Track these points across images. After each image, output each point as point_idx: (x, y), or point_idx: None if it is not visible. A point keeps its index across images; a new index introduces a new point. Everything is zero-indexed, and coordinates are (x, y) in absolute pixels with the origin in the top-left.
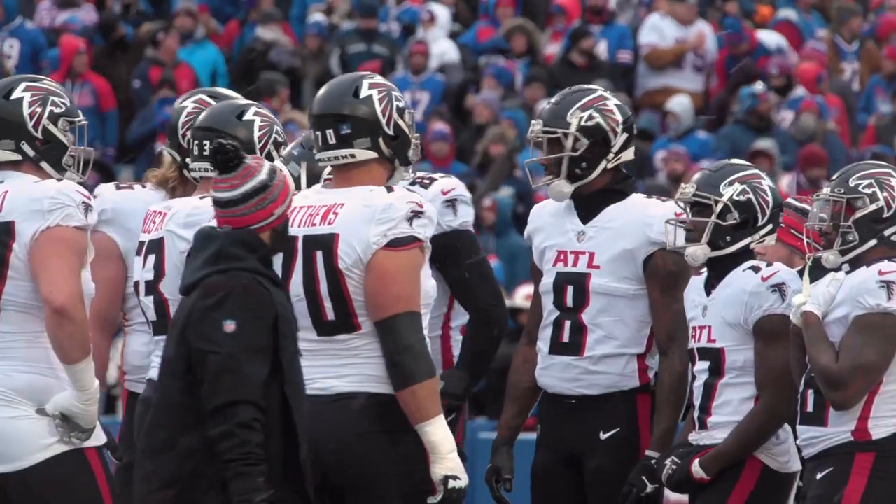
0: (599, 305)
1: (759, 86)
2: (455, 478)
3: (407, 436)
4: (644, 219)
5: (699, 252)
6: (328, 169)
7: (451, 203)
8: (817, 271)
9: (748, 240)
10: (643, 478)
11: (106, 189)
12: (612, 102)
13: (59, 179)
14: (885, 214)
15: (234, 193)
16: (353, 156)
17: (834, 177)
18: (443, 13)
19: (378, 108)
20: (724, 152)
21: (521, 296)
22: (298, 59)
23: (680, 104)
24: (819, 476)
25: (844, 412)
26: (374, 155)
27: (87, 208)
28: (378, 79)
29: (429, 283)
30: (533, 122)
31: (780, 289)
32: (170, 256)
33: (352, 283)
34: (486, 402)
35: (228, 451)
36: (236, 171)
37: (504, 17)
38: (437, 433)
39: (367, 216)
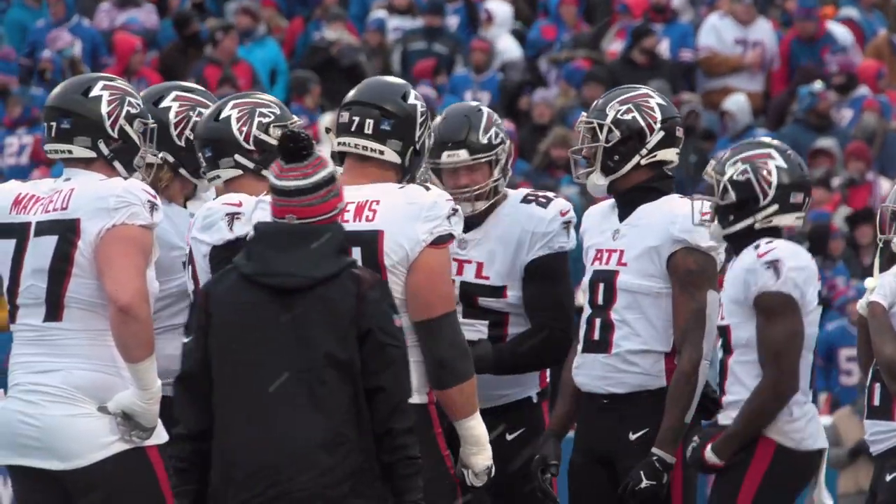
0: (625, 302)
1: (818, 84)
2: (492, 466)
3: (436, 440)
4: (669, 216)
5: (713, 231)
6: None
7: (567, 225)
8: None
9: (750, 220)
10: (641, 472)
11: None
12: (655, 101)
13: (126, 178)
14: None
15: (306, 182)
16: (382, 152)
17: None
18: (502, 10)
19: (418, 120)
20: None
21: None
22: (363, 55)
23: (736, 103)
24: (889, 478)
25: None
26: (398, 160)
27: (153, 207)
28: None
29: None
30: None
31: (774, 265)
32: (198, 263)
33: (393, 281)
34: None
35: (410, 448)
36: (308, 160)
37: (567, 16)
38: (480, 427)
39: (412, 214)
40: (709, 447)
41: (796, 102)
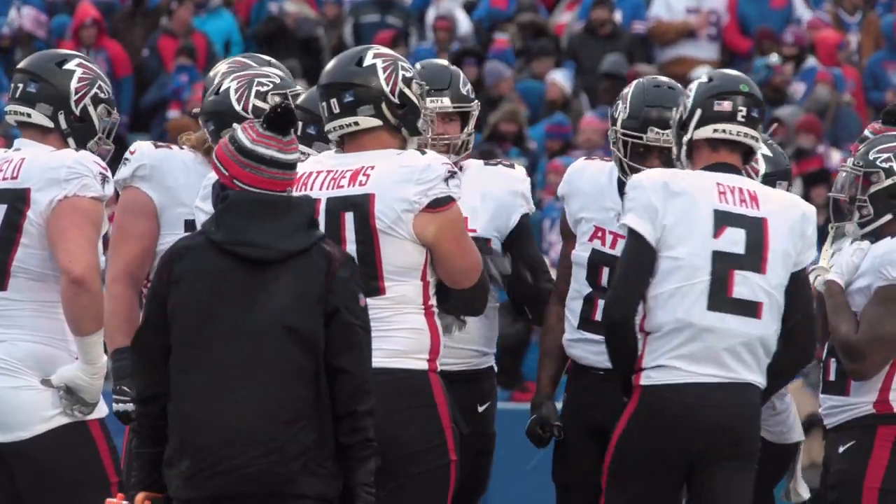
0: None
1: (773, 57)
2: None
3: (433, 410)
4: None
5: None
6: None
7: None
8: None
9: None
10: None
11: (144, 146)
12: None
13: (77, 150)
14: None
15: (295, 157)
16: (356, 123)
17: (861, 147)
18: None
19: (382, 77)
20: None
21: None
22: (321, 29)
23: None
24: (841, 450)
25: (865, 382)
26: (378, 122)
27: (105, 179)
28: (383, 49)
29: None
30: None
31: None
32: None
33: (388, 245)
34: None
35: (369, 430)
36: (288, 136)
37: None
38: None
39: (404, 176)
40: None
41: (752, 74)
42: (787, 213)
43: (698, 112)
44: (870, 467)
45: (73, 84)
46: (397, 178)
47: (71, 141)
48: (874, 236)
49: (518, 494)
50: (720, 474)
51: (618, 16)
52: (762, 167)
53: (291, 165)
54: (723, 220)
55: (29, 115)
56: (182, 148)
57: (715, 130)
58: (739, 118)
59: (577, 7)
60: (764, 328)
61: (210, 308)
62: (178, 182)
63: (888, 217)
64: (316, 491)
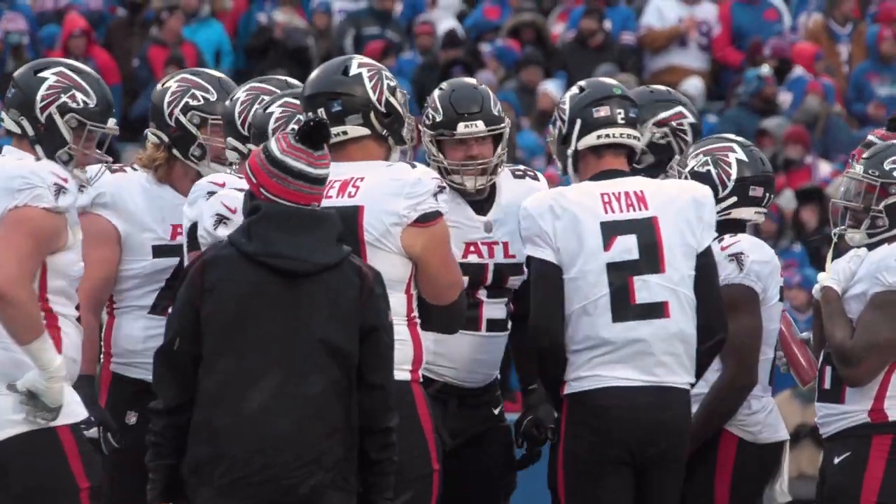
0: None
1: (765, 68)
2: None
3: (416, 420)
4: None
5: None
6: None
7: None
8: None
9: None
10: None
11: (103, 174)
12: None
13: (38, 159)
14: None
15: (324, 172)
16: (345, 133)
17: (865, 155)
18: None
19: (368, 86)
20: None
21: None
22: (310, 39)
23: (694, 86)
24: (837, 461)
25: (860, 389)
26: (366, 132)
27: (60, 190)
28: (365, 59)
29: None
30: None
31: (737, 258)
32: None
33: (376, 257)
34: None
35: (395, 448)
36: (325, 149)
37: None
38: None
39: (394, 189)
40: None
41: (742, 84)
42: (677, 202)
43: (578, 122)
44: (865, 480)
45: (42, 91)
46: (387, 190)
47: (39, 149)
48: (874, 245)
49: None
50: (652, 476)
51: (608, 25)
52: (734, 171)
53: (319, 180)
54: (611, 230)
55: (1, 121)
56: (135, 169)
57: (599, 136)
58: (619, 120)
59: (568, 17)
60: (677, 325)
61: (244, 319)
62: (140, 206)
63: None
64: None
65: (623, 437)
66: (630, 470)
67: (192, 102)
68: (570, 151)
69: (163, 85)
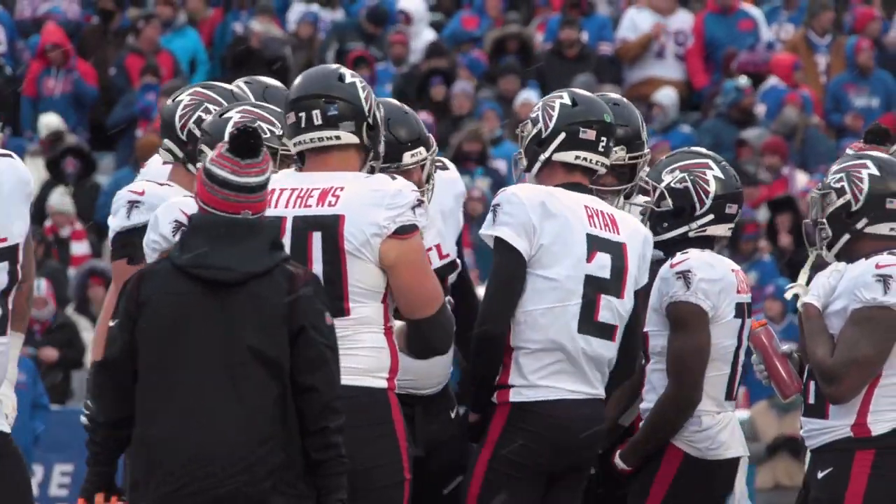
0: None
1: (742, 80)
2: None
3: (390, 428)
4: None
5: None
6: None
7: None
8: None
9: (684, 228)
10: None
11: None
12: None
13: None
14: (854, 208)
15: (262, 179)
16: (338, 138)
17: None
18: (418, 7)
19: (362, 96)
20: (707, 146)
21: None
22: (287, 49)
23: (667, 97)
24: (820, 476)
25: (843, 405)
26: (356, 140)
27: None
28: (352, 71)
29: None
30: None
31: (684, 276)
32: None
33: (355, 266)
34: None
35: (341, 447)
36: (260, 156)
37: (492, 10)
38: None
39: (375, 200)
40: (618, 453)
41: (720, 96)
42: (636, 237)
43: (562, 135)
44: (847, 496)
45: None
46: (368, 201)
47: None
48: (850, 258)
49: None
50: (560, 485)
51: (584, 36)
52: (713, 189)
53: (246, 188)
54: (594, 244)
55: None
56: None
57: (577, 157)
58: (600, 148)
59: (546, 28)
60: (615, 350)
61: (175, 331)
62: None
63: (846, 237)
64: None
65: (557, 446)
66: (545, 479)
67: (206, 116)
68: (543, 157)
69: (174, 99)
